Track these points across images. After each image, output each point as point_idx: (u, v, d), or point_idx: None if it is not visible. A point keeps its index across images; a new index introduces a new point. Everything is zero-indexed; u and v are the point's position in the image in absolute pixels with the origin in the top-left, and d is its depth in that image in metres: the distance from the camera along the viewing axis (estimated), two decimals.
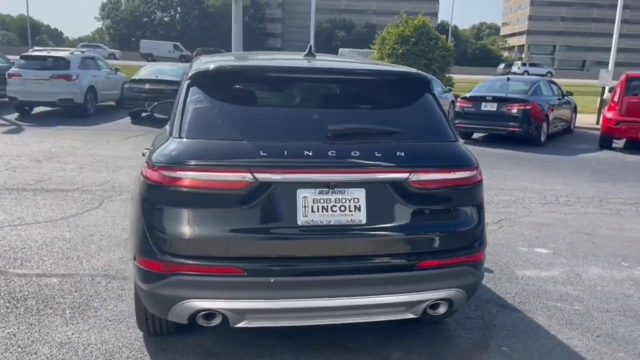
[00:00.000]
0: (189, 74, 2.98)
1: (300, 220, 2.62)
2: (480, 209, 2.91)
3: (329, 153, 2.62)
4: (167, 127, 3.11)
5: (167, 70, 15.50)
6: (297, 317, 2.71)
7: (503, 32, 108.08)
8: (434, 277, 2.76)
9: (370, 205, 2.67)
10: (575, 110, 15.04)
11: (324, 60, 3.17)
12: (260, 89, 2.93)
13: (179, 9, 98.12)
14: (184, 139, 2.69)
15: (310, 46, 3.27)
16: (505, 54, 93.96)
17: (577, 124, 15.58)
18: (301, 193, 2.62)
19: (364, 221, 2.67)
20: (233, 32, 22.72)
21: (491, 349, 3.34)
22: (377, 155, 2.66)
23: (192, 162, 2.58)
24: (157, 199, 2.66)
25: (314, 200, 2.63)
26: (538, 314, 3.88)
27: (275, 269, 2.60)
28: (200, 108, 2.83)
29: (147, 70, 15.71)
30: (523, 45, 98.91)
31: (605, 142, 12.39)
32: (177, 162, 2.60)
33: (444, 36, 21.63)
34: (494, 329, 3.60)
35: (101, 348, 3.21)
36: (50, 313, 3.65)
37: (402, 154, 2.68)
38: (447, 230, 2.80)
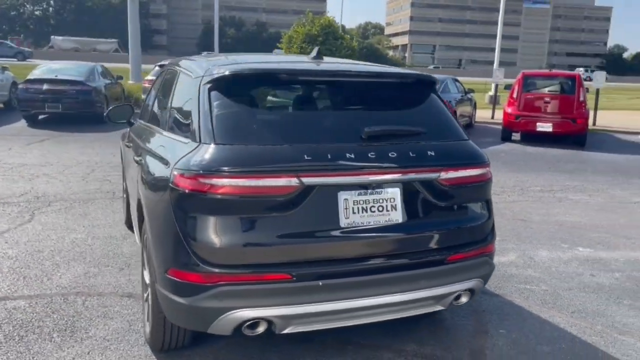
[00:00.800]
0: (207, 78, 2.87)
1: (343, 222, 2.66)
2: (490, 203, 3.11)
3: (369, 155, 2.68)
4: (179, 131, 2.99)
5: (66, 69, 14.46)
6: (340, 318, 2.74)
7: (387, 31, 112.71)
8: (462, 270, 2.92)
9: (404, 205, 2.76)
10: (475, 106, 16.17)
11: (345, 64, 3.20)
12: (287, 92, 2.91)
13: (52, 2, 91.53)
14: (220, 145, 2.60)
15: (319, 49, 3.29)
16: (391, 52, 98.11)
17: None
18: (342, 195, 2.65)
19: (400, 220, 2.76)
20: (130, 32, 21.74)
21: (491, 333, 3.58)
22: (411, 155, 2.76)
23: (235, 169, 2.52)
24: (195, 208, 2.56)
25: (354, 202, 2.67)
26: (515, 296, 4.19)
27: (322, 271, 2.61)
28: (229, 113, 2.76)
29: (42, 70, 14.56)
30: (406, 44, 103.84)
31: (506, 135, 13.47)
32: (218, 169, 2.51)
33: (348, 36, 22.21)
34: (484, 314, 3.85)
35: None
36: (36, 338, 3.35)
37: (432, 154, 2.81)
38: (470, 225, 2.97)
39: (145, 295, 3.37)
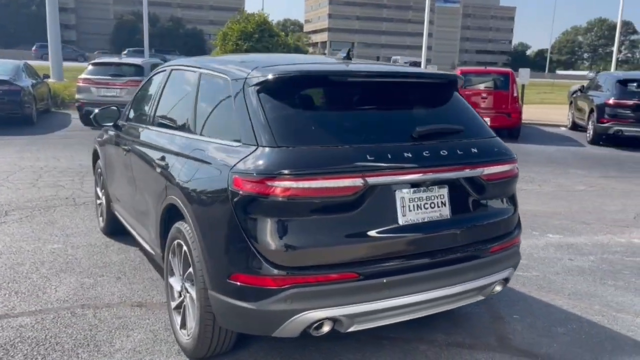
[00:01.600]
0: (254, 80, 2.84)
1: (401, 219, 2.73)
2: (516, 196, 3.30)
3: (424, 153, 2.76)
4: (220, 135, 2.93)
5: None
6: (400, 313, 2.80)
7: (306, 28, 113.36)
8: (500, 260, 3.08)
9: (451, 200, 2.88)
10: None
11: (383, 65, 3.27)
12: (337, 93, 2.93)
13: None
14: (283, 148, 2.59)
15: (349, 50, 3.34)
16: (311, 49, 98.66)
17: None
18: (399, 194, 2.73)
19: (449, 215, 2.87)
20: (49, 29, 20.56)
21: (507, 319, 3.78)
22: (458, 153, 2.87)
23: (301, 171, 2.52)
24: (262, 211, 2.54)
25: (409, 200, 2.75)
26: (513, 284, 4.44)
27: (384, 269, 2.67)
28: (284, 115, 2.74)
29: None
30: (326, 41, 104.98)
31: None
32: (283, 172, 2.50)
33: (283, 33, 22.18)
34: (493, 302, 4.06)
35: None
36: (60, 356, 3.17)
37: (475, 151, 2.94)
38: (504, 217, 3.14)
39: (176, 303, 3.28)
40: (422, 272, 2.76)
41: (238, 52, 18.15)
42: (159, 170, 3.41)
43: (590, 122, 13.44)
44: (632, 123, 12.51)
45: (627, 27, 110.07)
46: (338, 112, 2.87)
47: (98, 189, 5.69)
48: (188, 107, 3.45)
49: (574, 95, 15.74)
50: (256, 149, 2.63)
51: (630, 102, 12.53)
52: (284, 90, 2.81)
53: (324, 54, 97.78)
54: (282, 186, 2.50)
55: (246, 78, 2.90)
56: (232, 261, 2.62)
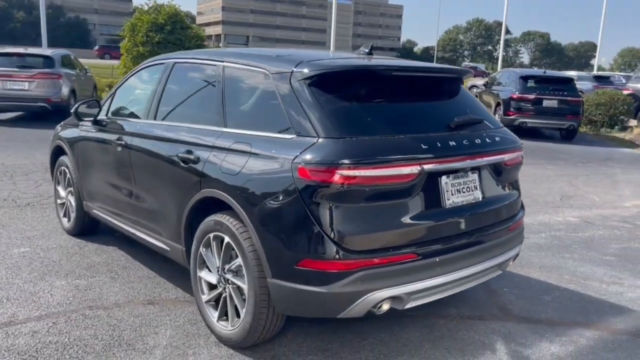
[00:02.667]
0: (301, 75, 2.94)
1: (446, 203, 2.99)
2: (518, 181, 3.68)
3: (464, 142, 3.03)
4: (266, 128, 3.00)
5: None
6: (445, 289, 3.04)
7: (199, 21, 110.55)
8: (515, 237, 3.44)
9: (481, 184, 3.19)
10: None
11: (412, 61, 3.46)
12: (382, 86, 3.09)
13: None
14: (346, 139, 2.73)
15: (372, 45, 3.52)
16: (205, 43, 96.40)
17: None
18: (443, 180, 2.97)
19: (480, 198, 3.17)
20: None
21: (499, 292, 4.19)
22: (487, 141, 3.17)
23: (367, 160, 2.68)
24: (331, 199, 2.67)
25: (451, 185, 3.01)
26: None
27: (436, 249, 2.91)
28: (339, 107, 2.88)
29: None
30: (220, 35, 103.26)
31: None
32: (349, 161, 2.65)
33: (195, 25, 21.60)
34: None
35: None
36: (95, 357, 3.08)
37: (498, 139, 3.26)
38: (515, 199, 3.50)
39: (210, 296, 3.30)
40: (464, 251, 3.03)
41: (149, 44, 17.48)
42: (184, 164, 3.39)
43: (497, 115, 14.62)
44: (533, 115, 13.79)
45: (501, 27, 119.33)
46: (385, 104, 3.06)
47: (60, 188, 5.40)
48: (211, 101, 3.46)
49: (478, 91, 16.98)
50: (317, 140, 2.75)
51: (532, 97, 13.80)
52: (334, 84, 2.95)
53: (219, 47, 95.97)
54: (349, 174, 2.65)
55: (292, 72, 3.00)
56: (301, 248, 2.73)
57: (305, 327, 3.43)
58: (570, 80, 14.25)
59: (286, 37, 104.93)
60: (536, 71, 16.47)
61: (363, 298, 2.72)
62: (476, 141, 3.10)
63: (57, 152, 5.38)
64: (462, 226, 3.07)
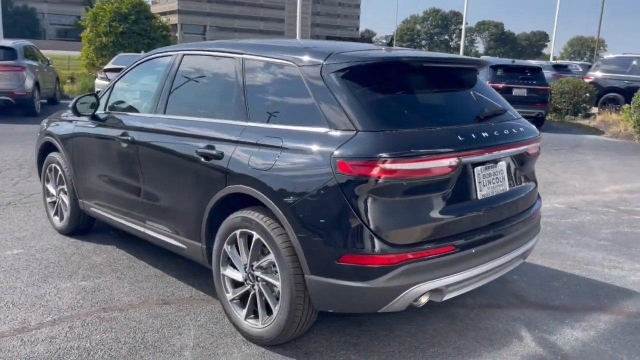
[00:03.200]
0: (334, 67, 2.89)
1: (479, 194, 3.00)
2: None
3: (494, 133, 3.05)
4: (297, 122, 2.95)
5: None
6: (479, 280, 3.05)
7: (154, 10, 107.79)
8: (536, 226, 3.50)
9: (508, 175, 3.22)
10: None
11: (435, 53, 3.44)
12: (414, 78, 3.07)
13: None
14: (385, 131, 2.70)
15: (392, 38, 3.49)
16: (170, 33, 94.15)
17: None
18: (476, 171, 2.99)
19: (507, 189, 3.20)
20: None
21: (509, 279, 4.24)
22: (514, 132, 3.20)
23: (409, 153, 2.66)
24: (374, 193, 2.64)
25: (483, 176, 3.03)
26: None
27: (472, 240, 2.92)
28: (375, 100, 2.85)
29: None
30: (176, 24, 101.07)
31: None
32: (392, 154, 2.62)
33: (159, 14, 21.06)
34: None
35: None
36: (143, 349, 2.99)
37: (522, 130, 3.29)
38: (534, 188, 3.55)
39: (236, 294, 3.24)
40: (496, 241, 3.06)
41: (112, 35, 16.98)
42: (205, 160, 3.30)
43: None
44: None
45: (457, 17, 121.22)
46: (416, 96, 3.05)
47: (50, 186, 5.19)
48: (230, 94, 3.36)
49: None
50: (356, 133, 2.71)
51: (501, 86, 14.06)
52: (366, 76, 2.91)
53: (176, 37, 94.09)
54: (391, 168, 2.63)
55: (322, 65, 2.94)
56: (343, 244, 2.69)
57: (329, 322, 3.41)
58: (538, 70, 14.59)
59: (244, 27, 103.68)
60: (505, 60, 16.79)
61: (405, 292, 2.71)
62: (505, 132, 3.12)
63: (46, 148, 5.16)
64: (493, 217, 3.10)
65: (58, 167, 4.94)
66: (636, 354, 3.19)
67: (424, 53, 3.53)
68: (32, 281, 4.01)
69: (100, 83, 12.80)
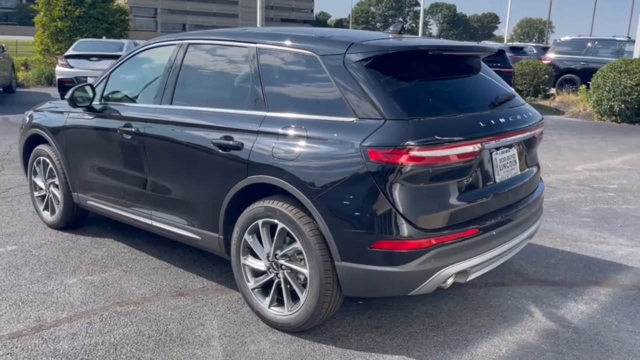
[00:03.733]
0: (357, 56, 2.93)
1: (497, 178, 3.12)
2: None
3: (510, 119, 3.16)
4: (319, 111, 2.98)
5: None
6: (497, 260, 3.18)
7: None
8: (541, 207, 3.65)
9: (519, 159, 3.35)
10: None
11: (449, 40, 3.51)
12: (434, 66, 3.14)
13: None
14: (414, 119, 2.76)
15: (403, 25, 3.54)
16: (129, 17, 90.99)
17: None
18: (494, 156, 3.10)
19: (519, 172, 3.34)
20: None
21: (510, 259, 4.41)
22: (525, 116, 3.32)
23: (439, 140, 2.74)
24: (406, 181, 2.72)
25: (499, 161, 3.15)
26: None
27: (493, 222, 3.04)
28: (401, 88, 2.90)
29: None
30: (126, 7, 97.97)
31: None
32: (423, 142, 2.70)
33: None
34: None
35: (283, 353, 2.96)
36: (153, 354, 2.98)
37: (530, 114, 3.41)
38: (538, 171, 3.70)
39: (259, 283, 3.27)
40: (511, 223, 3.19)
41: (68, 19, 16.36)
42: (223, 151, 3.29)
43: None
44: None
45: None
46: (438, 83, 3.13)
47: (38, 180, 5.05)
48: (245, 84, 3.36)
49: None
50: (384, 122, 2.77)
51: None
52: (389, 65, 2.96)
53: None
54: (421, 155, 2.70)
55: (345, 55, 2.98)
56: (376, 230, 2.76)
57: (346, 307, 3.48)
58: (502, 52, 14.93)
59: (198, 10, 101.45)
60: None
61: (436, 274, 2.81)
62: (517, 117, 3.24)
63: (32, 141, 5.01)
64: (509, 200, 3.23)
65: (48, 160, 4.81)
66: (638, 322, 3.40)
67: (440, 41, 3.60)
68: (35, 278, 3.93)
69: (61, 70, 12.35)
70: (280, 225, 3.08)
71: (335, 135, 2.88)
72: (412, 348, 3.08)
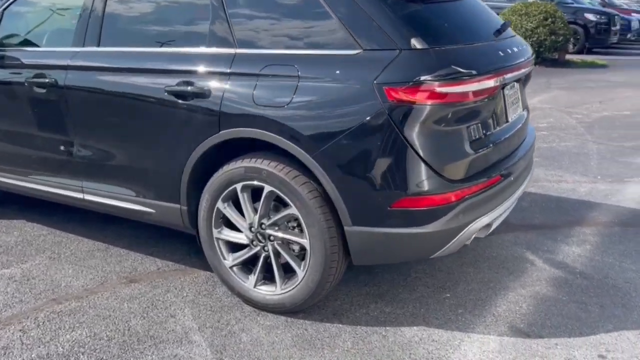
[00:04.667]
0: None
1: (510, 117, 2.76)
2: None
3: (515, 50, 2.76)
4: (312, 41, 2.42)
5: None
6: (511, 207, 2.85)
7: None
8: (534, 151, 3.36)
9: (520, 96, 3.00)
10: None
11: None
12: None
13: None
14: (435, 48, 2.28)
15: None
16: None
17: None
18: (506, 92, 2.71)
19: (522, 111, 3.01)
20: None
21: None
22: (522, 48, 2.91)
23: (466, 72, 2.29)
24: (428, 123, 2.26)
25: (509, 97, 2.77)
26: None
27: (510, 167, 2.68)
28: (409, 13, 2.41)
29: None
30: None
31: None
32: (449, 75, 2.24)
33: None
34: None
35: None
36: (137, 342, 2.36)
37: (525, 47, 3.03)
38: (529, 113, 3.39)
39: (238, 260, 2.72)
40: (523, 166, 2.86)
41: None
42: (184, 101, 2.62)
43: None
44: None
45: None
46: (448, 5, 2.67)
47: None
48: (202, 16, 2.67)
49: None
50: (400, 52, 2.27)
51: None
52: None
53: None
54: (448, 91, 2.26)
55: None
56: (398, 186, 2.29)
57: (352, 281, 3.00)
58: None
59: None
60: None
61: (464, 231, 2.42)
62: (519, 48, 2.85)
63: None
64: (518, 141, 2.90)
65: None
66: (638, 261, 3.27)
67: None
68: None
69: None
70: (268, 188, 2.51)
71: (338, 72, 2.34)
72: (427, 315, 2.70)
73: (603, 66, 12.37)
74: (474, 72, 2.33)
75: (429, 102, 2.23)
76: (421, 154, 2.27)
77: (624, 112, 7.56)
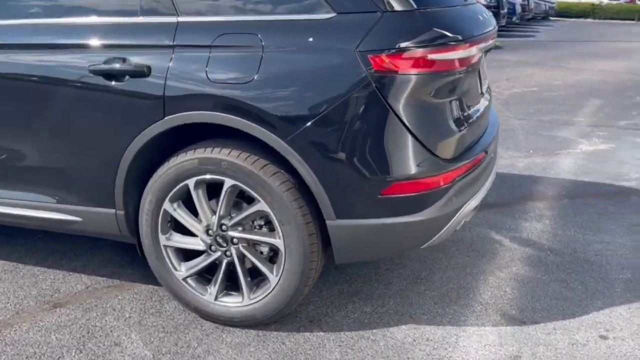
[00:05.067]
0: None
1: (482, 89, 2.56)
2: None
3: (484, 15, 2.54)
4: (293, 4, 2.05)
5: None
6: (488, 187, 2.64)
7: None
8: None
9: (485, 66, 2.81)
10: None
11: None
12: None
13: None
14: (420, 10, 1.99)
15: None
16: None
17: None
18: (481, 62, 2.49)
19: (487, 84, 2.81)
20: None
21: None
22: (488, 17, 2.69)
23: (454, 38, 2.03)
24: (423, 96, 1.99)
25: (482, 67, 2.57)
26: None
27: (487, 141, 2.47)
28: None
29: None
30: None
31: None
32: (441, 40, 1.98)
33: None
34: None
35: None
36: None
37: (490, 14, 2.83)
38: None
39: (195, 269, 2.30)
40: (494, 141, 2.67)
41: None
42: (117, 82, 2.14)
43: None
44: None
45: None
46: None
47: None
48: None
49: None
50: (382, 15, 1.96)
51: None
52: None
53: None
54: (442, 58, 2.00)
55: None
56: (389, 169, 1.98)
57: (336, 278, 2.68)
58: None
59: None
60: None
61: (457, 216, 2.17)
62: (485, 16, 2.64)
63: None
64: (488, 116, 2.70)
65: None
66: (598, 231, 3.23)
67: None
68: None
69: None
70: (230, 182, 2.11)
71: (310, 40, 1.99)
72: (413, 312, 2.44)
73: (498, 47, 12.88)
74: (459, 37, 2.07)
75: (423, 70, 1.95)
76: (414, 131, 1.99)
77: (532, 89, 7.83)
